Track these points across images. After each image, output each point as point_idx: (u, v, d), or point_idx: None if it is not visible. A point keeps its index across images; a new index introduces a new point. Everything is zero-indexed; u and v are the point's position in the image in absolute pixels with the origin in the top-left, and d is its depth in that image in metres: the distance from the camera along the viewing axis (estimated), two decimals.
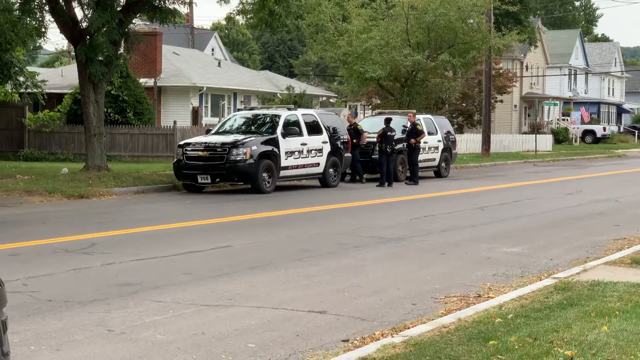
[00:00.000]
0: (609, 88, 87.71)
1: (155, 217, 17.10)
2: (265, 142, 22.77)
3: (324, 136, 24.78)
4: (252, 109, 27.89)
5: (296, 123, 24.01)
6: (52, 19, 25.03)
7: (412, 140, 26.68)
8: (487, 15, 39.72)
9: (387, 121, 26.12)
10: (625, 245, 13.16)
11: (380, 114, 31.20)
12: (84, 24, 24.71)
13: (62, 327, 7.76)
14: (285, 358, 6.95)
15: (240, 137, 22.82)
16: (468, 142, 47.04)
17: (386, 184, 25.25)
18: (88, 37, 24.28)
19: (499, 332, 7.28)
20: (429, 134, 28.92)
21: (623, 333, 7.15)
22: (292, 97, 44.20)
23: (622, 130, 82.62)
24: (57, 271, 10.56)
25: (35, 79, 32.98)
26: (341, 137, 25.57)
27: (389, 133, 25.70)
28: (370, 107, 52.58)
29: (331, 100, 65.84)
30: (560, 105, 69.74)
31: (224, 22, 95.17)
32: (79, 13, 25.14)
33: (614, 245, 13.26)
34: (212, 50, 67.14)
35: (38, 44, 34.27)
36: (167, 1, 25.41)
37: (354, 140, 26.22)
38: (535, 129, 55.94)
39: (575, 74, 79.71)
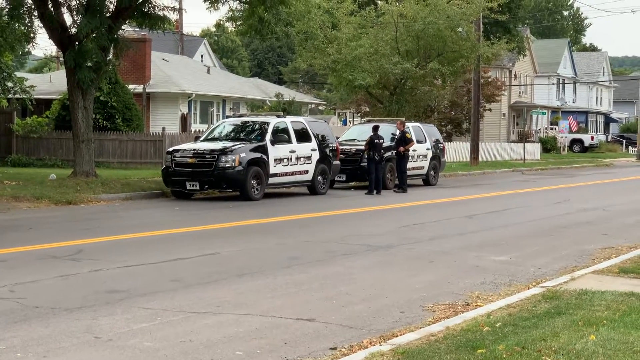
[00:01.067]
0: (597, 97, 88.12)
1: (143, 224, 17.04)
2: (254, 150, 22.74)
3: (313, 144, 24.77)
4: (241, 116, 27.86)
5: (285, 130, 23.99)
6: (41, 25, 24.94)
7: (401, 148, 26.71)
8: (476, 24, 39.85)
9: (375, 129, 26.15)
10: (613, 254, 13.20)
11: (369, 121, 31.19)
12: (73, 30, 24.67)
13: (49, 334, 7.72)
14: None
15: (229, 144, 22.79)
16: (457, 151, 47.15)
17: (375, 191, 25.26)
18: (77, 43, 24.23)
19: (487, 340, 7.29)
20: (418, 142, 28.95)
21: (611, 342, 7.17)
22: (281, 105, 44.22)
23: (609, 139, 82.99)
24: (44, 277, 10.51)
25: (23, 84, 32.88)
26: (330, 145, 25.56)
27: (376, 140, 25.71)
28: (359, 114, 52.66)
29: (320, 107, 65.93)
30: (548, 114, 70.00)
31: (213, 29, 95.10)
32: (68, 19, 25.09)
33: (601, 254, 13.29)
34: (202, 56, 67.11)
35: (27, 50, 34.08)
36: (156, 8, 25.36)
37: None
38: (524, 138, 56.14)
39: (564, 83, 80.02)
